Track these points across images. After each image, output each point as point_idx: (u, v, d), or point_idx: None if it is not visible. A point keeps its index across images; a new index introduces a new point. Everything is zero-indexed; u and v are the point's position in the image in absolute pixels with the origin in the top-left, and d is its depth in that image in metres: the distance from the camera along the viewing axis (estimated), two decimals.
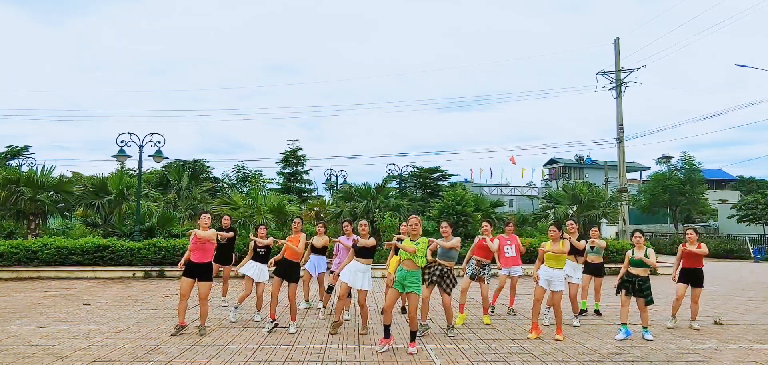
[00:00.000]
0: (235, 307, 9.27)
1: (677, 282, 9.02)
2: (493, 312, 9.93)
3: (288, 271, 8.26)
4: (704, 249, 8.79)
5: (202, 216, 8.20)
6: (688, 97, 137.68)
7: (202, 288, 7.98)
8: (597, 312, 10.02)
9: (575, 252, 9.20)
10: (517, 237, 10.46)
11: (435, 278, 8.07)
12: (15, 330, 8.33)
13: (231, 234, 10.76)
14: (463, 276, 9.41)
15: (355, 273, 7.89)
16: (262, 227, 9.66)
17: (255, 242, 9.13)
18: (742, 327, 9.19)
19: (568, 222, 9.49)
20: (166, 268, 15.85)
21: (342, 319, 8.45)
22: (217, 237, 10.35)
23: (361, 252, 7.94)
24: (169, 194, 25.88)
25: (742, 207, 35.54)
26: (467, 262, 9.47)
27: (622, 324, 8.17)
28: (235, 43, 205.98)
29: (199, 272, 7.94)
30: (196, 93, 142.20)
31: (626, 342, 7.82)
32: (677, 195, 42.51)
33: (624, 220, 27.80)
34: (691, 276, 8.90)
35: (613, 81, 28.72)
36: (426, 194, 25.96)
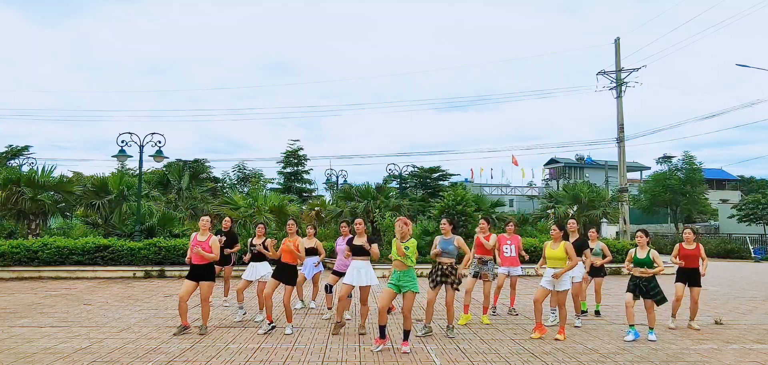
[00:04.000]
0: (241, 306, 9.29)
1: (675, 282, 9.03)
2: (494, 313, 9.93)
3: (285, 274, 8.19)
4: (701, 250, 8.85)
5: (201, 218, 8.26)
6: (688, 96, 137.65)
7: (203, 289, 8.00)
8: (597, 312, 9.99)
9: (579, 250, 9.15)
10: (519, 237, 10.43)
11: (439, 278, 8.02)
12: (16, 330, 8.33)
13: (223, 238, 10.59)
14: (466, 276, 9.40)
15: (355, 271, 7.94)
16: (260, 226, 9.68)
17: (251, 242, 9.31)
18: (743, 327, 9.19)
19: (569, 222, 9.48)
20: (166, 268, 15.86)
21: (344, 320, 8.46)
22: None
23: (357, 251, 8.01)
24: (170, 194, 25.90)
25: (743, 207, 35.57)
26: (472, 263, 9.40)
27: (629, 325, 8.06)
28: (235, 42, 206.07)
29: (200, 274, 7.97)
30: (196, 93, 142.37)
31: (627, 341, 7.80)
32: (678, 195, 42.51)
33: (624, 220, 27.78)
34: (689, 276, 8.90)
35: (614, 81, 28.71)
36: (426, 194, 26.01)
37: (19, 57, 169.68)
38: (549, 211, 24.70)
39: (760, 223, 33.97)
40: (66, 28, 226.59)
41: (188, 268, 8.16)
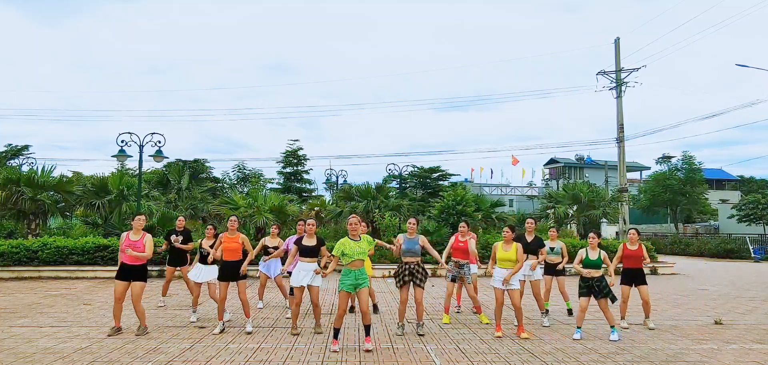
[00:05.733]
0: (194, 311, 9.20)
1: (620, 284, 8.89)
2: (459, 312, 10.02)
3: (231, 272, 8.08)
4: (643, 250, 8.81)
5: (136, 218, 8.09)
6: (688, 96, 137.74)
7: (134, 290, 7.89)
8: (569, 311, 9.90)
9: (531, 250, 9.08)
10: (474, 235, 10.29)
11: (406, 278, 8.03)
12: (15, 329, 8.34)
13: (181, 238, 10.42)
14: (447, 276, 9.37)
15: (302, 273, 7.82)
16: (209, 228, 9.37)
17: (201, 244, 9.11)
18: (743, 327, 9.19)
19: (527, 221, 9.63)
20: (166, 268, 15.82)
21: (299, 328, 8.32)
22: (171, 240, 10.33)
23: (305, 252, 7.84)
24: (170, 194, 25.90)
25: (743, 207, 35.52)
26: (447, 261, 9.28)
27: (576, 327, 8.13)
28: (235, 42, 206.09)
29: (132, 274, 7.89)
30: (196, 92, 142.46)
31: (627, 341, 7.81)
32: (677, 195, 42.47)
33: (624, 220, 27.81)
34: (633, 277, 8.82)
35: (614, 81, 28.74)
36: (426, 194, 25.93)
37: (19, 57, 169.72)
38: (549, 211, 24.69)
39: (759, 223, 33.93)
40: (66, 28, 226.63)
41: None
